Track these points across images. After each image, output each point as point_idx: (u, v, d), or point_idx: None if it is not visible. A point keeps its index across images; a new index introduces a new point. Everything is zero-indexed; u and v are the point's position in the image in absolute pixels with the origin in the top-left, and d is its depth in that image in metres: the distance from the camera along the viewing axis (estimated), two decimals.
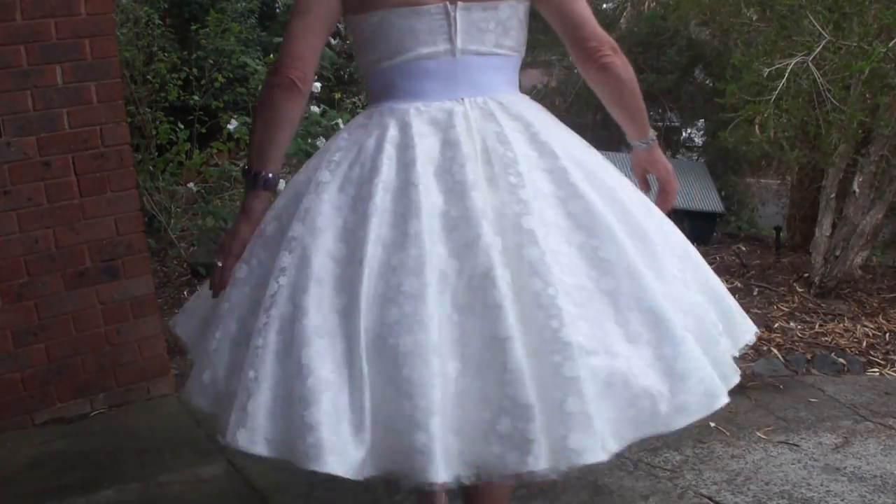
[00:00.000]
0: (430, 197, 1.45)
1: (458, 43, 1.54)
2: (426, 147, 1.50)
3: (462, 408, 1.34)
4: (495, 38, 1.57)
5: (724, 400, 1.49)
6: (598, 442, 1.33)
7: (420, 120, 1.53)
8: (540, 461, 1.31)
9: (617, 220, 1.51)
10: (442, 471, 1.30)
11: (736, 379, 1.59)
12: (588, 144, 1.70)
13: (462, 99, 1.55)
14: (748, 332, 1.68)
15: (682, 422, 1.44)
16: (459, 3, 1.52)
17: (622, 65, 1.63)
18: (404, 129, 1.52)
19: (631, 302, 1.44)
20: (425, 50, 1.54)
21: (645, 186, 1.83)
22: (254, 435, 1.38)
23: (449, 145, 1.50)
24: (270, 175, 1.58)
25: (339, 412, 1.34)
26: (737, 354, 1.64)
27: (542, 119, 1.63)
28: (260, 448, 1.39)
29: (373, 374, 1.36)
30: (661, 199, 1.77)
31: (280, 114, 1.55)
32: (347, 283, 1.42)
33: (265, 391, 1.39)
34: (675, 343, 1.43)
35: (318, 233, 1.47)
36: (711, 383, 1.46)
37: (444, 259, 1.41)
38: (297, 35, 1.55)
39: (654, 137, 1.77)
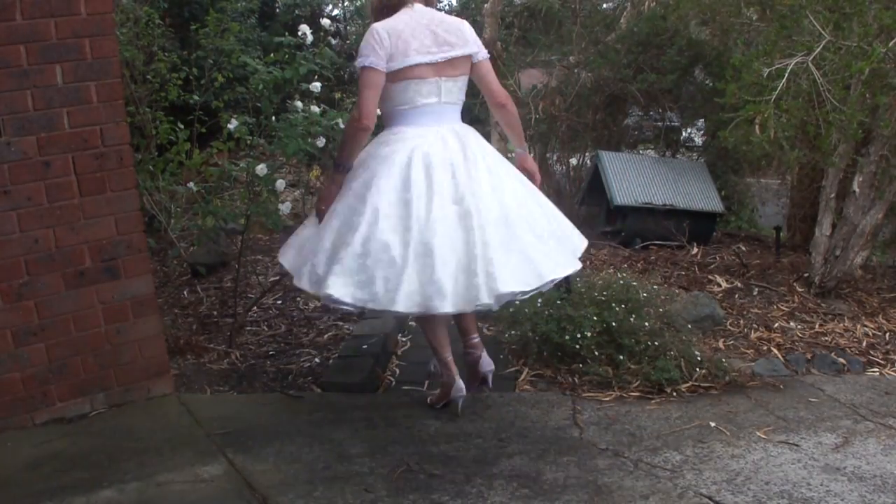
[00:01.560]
0: (444, 175, 2.90)
1: (442, 98, 2.99)
2: (420, 153, 2.92)
3: (456, 277, 2.76)
4: (455, 95, 3.04)
5: (555, 277, 2.89)
6: (506, 284, 2.74)
7: (420, 139, 2.94)
8: (484, 298, 2.74)
9: (501, 190, 2.93)
10: (447, 306, 2.74)
11: (577, 266, 2.99)
12: (494, 151, 3.13)
13: (441, 126, 2.99)
14: (583, 244, 3.09)
15: (542, 283, 2.84)
16: (443, 78, 2.97)
17: (510, 105, 3.16)
18: (411, 143, 2.94)
19: (514, 229, 2.88)
20: (426, 101, 2.98)
21: (530, 175, 3.20)
22: (345, 293, 2.76)
23: (429, 153, 2.92)
24: (349, 166, 3.00)
25: (395, 281, 2.75)
26: (579, 255, 3.04)
27: (472, 137, 3.03)
28: (349, 300, 2.77)
29: (417, 259, 2.76)
30: (535, 183, 3.19)
31: (358, 140, 2.98)
32: (403, 217, 2.82)
33: (349, 273, 2.78)
34: (534, 250, 2.86)
35: (380, 195, 2.86)
36: (554, 266, 2.88)
37: (448, 205, 2.85)
38: (366, 99, 2.92)
39: (526, 148, 3.32)
